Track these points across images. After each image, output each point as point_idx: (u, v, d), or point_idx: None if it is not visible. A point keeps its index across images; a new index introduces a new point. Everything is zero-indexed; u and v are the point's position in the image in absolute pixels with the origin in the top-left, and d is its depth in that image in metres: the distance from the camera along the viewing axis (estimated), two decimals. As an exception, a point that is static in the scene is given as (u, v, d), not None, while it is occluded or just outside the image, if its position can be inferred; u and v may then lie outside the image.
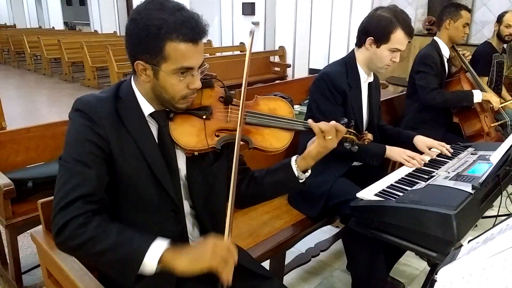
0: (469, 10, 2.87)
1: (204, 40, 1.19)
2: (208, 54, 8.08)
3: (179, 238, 1.26)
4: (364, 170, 2.21)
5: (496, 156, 1.59)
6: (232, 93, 1.29)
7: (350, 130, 1.40)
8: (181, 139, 1.19)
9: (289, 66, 7.72)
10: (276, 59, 8.08)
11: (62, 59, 9.05)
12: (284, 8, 8.14)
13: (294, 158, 1.34)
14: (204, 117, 1.22)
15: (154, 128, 1.21)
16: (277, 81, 5.74)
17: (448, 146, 2.06)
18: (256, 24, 8.84)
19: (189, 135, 1.20)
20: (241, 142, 1.23)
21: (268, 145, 1.27)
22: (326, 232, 2.77)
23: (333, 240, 2.60)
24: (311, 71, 8.00)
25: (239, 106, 1.24)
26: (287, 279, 2.35)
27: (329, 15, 7.94)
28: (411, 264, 2.54)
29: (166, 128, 1.20)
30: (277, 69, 7.62)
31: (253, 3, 8.86)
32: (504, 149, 1.52)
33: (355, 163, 2.19)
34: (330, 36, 7.96)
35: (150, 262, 1.03)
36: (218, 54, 8.03)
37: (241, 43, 8.77)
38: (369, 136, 1.46)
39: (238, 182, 1.39)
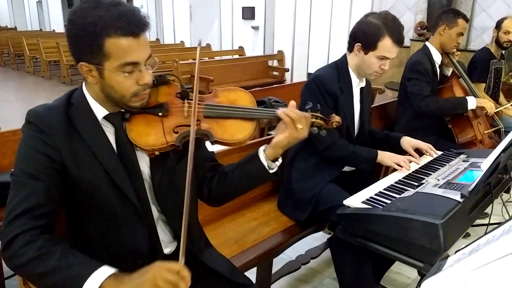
0: (467, 20, 2.80)
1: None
2: (207, 58, 8.06)
3: (150, 245, 1.23)
4: (355, 176, 2.18)
5: (486, 163, 1.55)
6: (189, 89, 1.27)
7: (316, 114, 1.35)
8: (138, 139, 1.16)
9: (287, 70, 7.70)
10: (275, 63, 8.06)
11: (61, 61, 9.04)
12: (283, 13, 8.13)
13: (262, 148, 1.29)
14: (160, 114, 1.19)
15: (110, 131, 1.18)
16: (273, 85, 5.70)
17: (433, 148, 2.05)
18: (255, 28, 8.83)
19: (146, 134, 1.16)
20: (201, 136, 1.20)
21: (230, 136, 1.22)
22: (318, 239, 2.72)
23: (325, 247, 2.55)
24: (310, 75, 7.95)
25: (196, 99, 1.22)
26: (275, 286, 2.31)
27: (328, 20, 7.91)
28: (403, 273, 2.49)
29: (123, 129, 1.17)
30: (275, 73, 7.60)
31: (253, 8, 8.84)
32: (493, 157, 1.48)
33: (346, 168, 2.16)
34: (329, 41, 7.94)
35: None
36: (217, 58, 8.00)
37: (240, 47, 8.76)
38: (337, 118, 1.39)
39: (209, 178, 1.37)
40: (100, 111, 1.16)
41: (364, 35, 1.90)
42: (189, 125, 1.18)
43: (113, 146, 1.17)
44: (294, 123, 1.23)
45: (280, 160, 1.31)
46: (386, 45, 1.88)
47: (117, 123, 1.18)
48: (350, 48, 2.00)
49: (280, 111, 1.24)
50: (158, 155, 1.19)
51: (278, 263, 2.25)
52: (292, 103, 1.27)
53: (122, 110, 1.18)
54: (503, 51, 3.71)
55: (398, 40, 1.88)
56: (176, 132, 1.18)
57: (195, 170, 1.34)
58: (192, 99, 1.22)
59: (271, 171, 1.28)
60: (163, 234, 1.29)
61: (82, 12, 1.05)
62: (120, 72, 1.08)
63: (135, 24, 1.06)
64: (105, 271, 1.01)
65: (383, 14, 1.91)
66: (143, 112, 1.19)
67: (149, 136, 1.16)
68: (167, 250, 1.31)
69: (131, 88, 1.11)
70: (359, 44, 1.93)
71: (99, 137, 1.15)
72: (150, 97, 1.20)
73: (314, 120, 1.33)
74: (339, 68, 2.03)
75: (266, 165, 1.27)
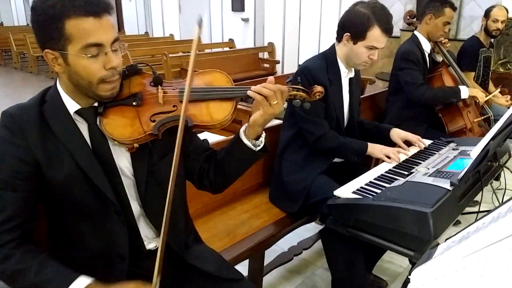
0: (454, 8, 2.78)
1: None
2: (197, 51, 7.98)
3: (130, 242, 1.21)
4: (346, 167, 2.17)
5: (476, 151, 1.55)
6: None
7: (297, 86, 1.29)
8: (115, 132, 1.11)
9: (278, 62, 7.67)
10: (266, 55, 8.02)
11: (49, 56, 8.91)
12: (273, 4, 8.07)
13: (242, 129, 1.26)
14: (134, 103, 1.15)
15: (84, 126, 1.14)
16: (263, 77, 5.68)
17: (423, 140, 2.05)
18: (245, 20, 8.77)
19: (122, 126, 1.12)
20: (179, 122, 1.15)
21: (209, 119, 1.18)
22: (310, 229, 2.72)
23: (317, 237, 2.56)
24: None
25: (170, 86, 1.18)
26: (268, 278, 2.31)
27: (318, 11, 7.88)
28: (395, 261, 2.51)
29: (96, 124, 1.13)
30: (266, 65, 7.57)
31: (243, -1, 8.78)
32: (483, 144, 1.48)
33: (336, 160, 2.15)
34: (320, 32, 7.91)
35: None
36: (207, 51, 7.94)
37: (230, 39, 8.71)
38: (319, 88, 1.31)
39: (207, 169, 1.33)
40: (72, 106, 1.12)
41: (353, 25, 1.88)
42: (166, 112, 1.15)
43: (87, 142, 1.14)
44: (267, 99, 1.17)
45: (263, 136, 1.27)
46: (375, 34, 1.86)
47: (89, 118, 1.14)
48: (339, 38, 1.98)
49: (250, 91, 1.18)
50: (139, 150, 1.15)
51: (270, 254, 2.24)
52: (270, 78, 1.22)
53: (95, 105, 1.14)
54: (492, 40, 3.71)
55: (387, 29, 1.87)
56: (153, 121, 1.14)
57: (189, 164, 1.32)
58: (167, 86, 1.19)
59: (258, 149, 1.26)
60: (147, 230, 1.26)
61: None
62: (84, 55, 1.03)
63: (95, 4, 1.03)
64: (81, 283, 1.03)
65: (372, 3, 1.89)
66: (117, 104, 1.15)
67: (126, 127, 1.12)
68: (151, 245, 1.28)
69: (98, 73, 1.06)
70: (348, 34, 1.91)
71: (72, 133, 1.12)
72: (122, 88, 1.16)
73: (295, 92, 1.28)
74: (328, 58, 2.01)
75: (250, 145, 1.25)
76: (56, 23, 1.01)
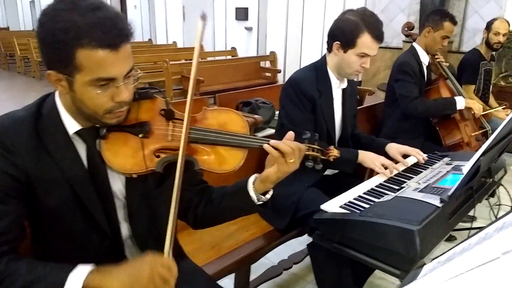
0: (455, 23, 2.71)
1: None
2: (199, 59, 8.00)
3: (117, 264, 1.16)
4: (338, 180, 2.11)
5: (467, 167, 1.50)
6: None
7: (313, 146, 1.23)
8: (114, 161, 1.04)
9: (279, 71, 7.65)
10: (267, 64, 8.00)
11: (52, 62, 8.96)
12: (276, 13, 8.09)
13: (251, 180, 1.20)
14: (140, 135, 1.06)
15: (82, 147, 1.06)
16: (261, 86, 5.65)
17: (422, 154, 1.98)
18: (249, 29, 8.78)
19: (123, 156, 1.04)
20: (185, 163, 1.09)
21: (217, 166, 1.11)
22: (303, 243, 2.66)
23: (309, 251, 2.50)
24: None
25: (182, 120, 1.07)
26: (256, 293, 2.25)
27: (321, 21, 7.87)
28: (387, 278, 2.43)
29: (95, 148, 1.05)
30: (267, 74, 7.55)
31: (247, 8, 8.79)
32: (473, 160, 1.43)
33: (328, 172, 2.10)
34: (322, 42, 7.89)
35: None
36: (210, 59, 7.93)
37: (232, 47, 8.71)
38: (335, 152, 1.31)
39: (196, 203, 1.27)
40: (71, 125, 1.04)
41: (342, 33, 1.84)
42: (172, 149, 1.07)
43: (84, 164, 1.06)
44: (284, 157, 1.12)
45: (270, 193, 1.22)
46: (365, 41, 1.81)
47: (89, 140, 1.05)
48: (329, 48, 1.94)
49: (267, 144, 1.12)
50: (135, 177, 1.09)
51: (259, 267, 2.19)
52: (290, 134, 1.16)
53: (97, 125, 1.06)
54: (493, 53, 3.68)
55: (378, 36, 1.82)
56: (158, 156, 1.07)
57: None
58: (178, 119, 1.10)
59: (259, 203, 1.20)
60: (134, 250, 1.21)
61: (54, 14, 0.91)
62: (92, 87, 0.95)
63: (114, 34, 0.92)
64: (83, 270, 0.95)
65: (361, 11, 1.85)
66: (121, 130, 1.06)
67: (127, 158, 1.04)
68: None
69: (106, 104, 0.98)
70: (338, 42, 1.87)
71: (68, 154, 1.04)
72: (130, 112, 1.08)
73: (310, 152, 1.22)
74: (318, 69, 1.97)
75: (255, 199, 1.19)
76: (67, 49, 0.91)
